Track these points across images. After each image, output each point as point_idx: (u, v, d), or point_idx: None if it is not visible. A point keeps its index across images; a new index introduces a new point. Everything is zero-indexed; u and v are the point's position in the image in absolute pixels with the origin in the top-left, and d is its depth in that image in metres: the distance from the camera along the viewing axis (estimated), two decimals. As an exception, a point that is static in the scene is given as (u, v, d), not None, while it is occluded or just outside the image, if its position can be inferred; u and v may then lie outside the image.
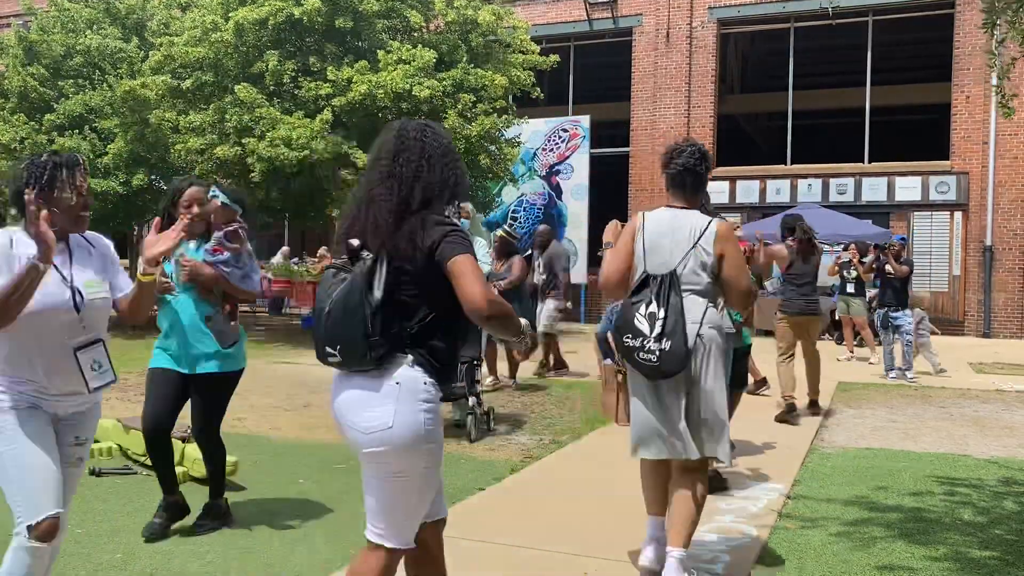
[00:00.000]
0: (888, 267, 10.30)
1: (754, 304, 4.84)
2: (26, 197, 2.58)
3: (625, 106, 19.41)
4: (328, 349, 2.37)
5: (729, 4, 18.32)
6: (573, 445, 6.36)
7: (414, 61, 12.57)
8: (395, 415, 2.28)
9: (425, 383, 2.33)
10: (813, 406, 7.69)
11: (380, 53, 12.81)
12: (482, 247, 6.78)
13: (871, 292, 12.90)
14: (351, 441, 2.39)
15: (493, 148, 14.08)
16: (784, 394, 7.42)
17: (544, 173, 19.30)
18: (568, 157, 19.14)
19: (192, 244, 4.13)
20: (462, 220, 6.92)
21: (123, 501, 4.74)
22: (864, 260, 11.67)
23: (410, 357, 2.33)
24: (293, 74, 13.16)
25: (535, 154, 19.25)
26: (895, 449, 6.37)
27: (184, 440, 5.20)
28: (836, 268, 12.29)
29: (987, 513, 4.71)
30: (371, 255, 2.33)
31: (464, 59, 13.59)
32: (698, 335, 3.33)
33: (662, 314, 3.29)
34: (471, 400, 6.49)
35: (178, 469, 5.07)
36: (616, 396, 6.87)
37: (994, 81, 4.64)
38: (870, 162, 17.89)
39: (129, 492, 4.93)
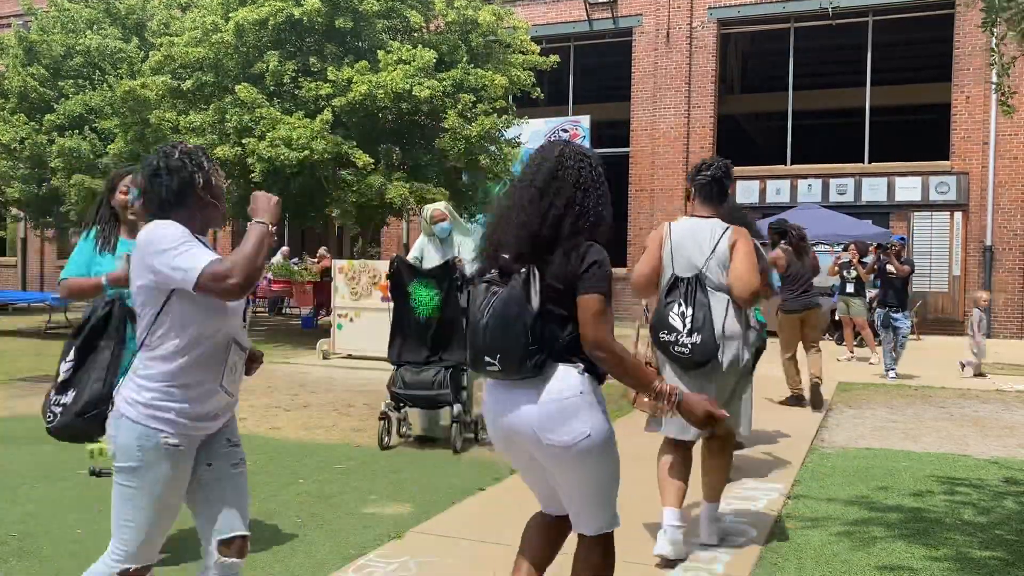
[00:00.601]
0: (890, 267, 10.31)
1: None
2: (212, 179, 2.54)
3: (625, 106, 19.41)
4: (487, 359, 2.47)
5: (729, 4, 18.32)
6: (573, 445, 6.36)
7: (414, 61, 12.57)
8: (591, 423, 2.44)
9: (595, 388, 2.51)
10: (815, 391, 7.84)
11: (380, 53, 12.81)
12: (468, 246, 6.46)
13: (871, 292, 12.91)
14: (545, 455, 2.48)
15: (493, 148, 14.07)
16: (793, 389, 8.05)
17: (544, 173, 19.29)
18: (568, 157, 19.13)
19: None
20: (439, 225, 6.55)
21: (123, 501, 4.74)
22: (864, 260, 11.66)
23: (580, 365, 2.46)
24: (293, 74, 13.16)
25: (535, 154, 19.24)
26: (895, 449, 6.36)
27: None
28: (836, 268, 12.28)
29: (987, 513, 4.70)
30: (525, 270, 2.44)
31: (464, 59, 13.59)
32: (723, 329, 3.77)
33: (691, 312, 3.73)
34: (455, 408, 6.10)
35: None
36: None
37: (994, 79, 4.63)
38: (870, 162, 17.89)
39: (129, 492, 4.92)
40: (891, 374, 10.23)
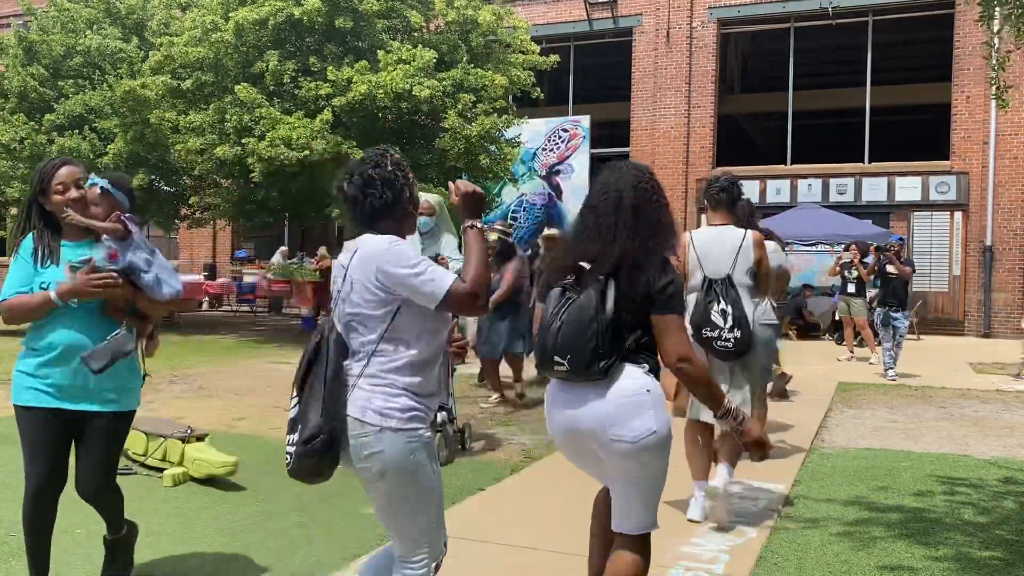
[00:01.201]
0: (890, 267, 10.33)
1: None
2: (414, 189, 2.60)
3: (625, 106, 19.41)
4: (557, 359, 2.60)
5: (729, 4, 18.32)
6: (573, 445, 6.36)
7: (414, 61, 12.57)
8: (656, 421, 2.57)
9: (658, 388, 2.65)
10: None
11: (380, 53, 12.81)
12: (451, 243, 6.18)
13: (871, 292, 12.91)
14: (609, 450, 2.60)
15: (493, 148, 14.07)
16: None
17: (544, 173, 19.31)
18: (568, 157, 19.15)
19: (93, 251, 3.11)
20: (421, 218, 6.04)
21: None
22: (865, 261, 11.67)
23: (645, 366, 2.63)
24: (293, 74, 13.16)
25: (535, 154, 19.25)
26: (895, 449, 6.36)
27: (184, 440, 5.20)
28: (837, 268, 12.29)
29: (987, 513, 4.70)
30: (602, 279, 2.62)
31: (464, 59, 13.59)
32: (754, 321, 4.41)
33: (731, 310, 4.27)
34: (439, 416, 5.67)
35: (178, 469, 5.08)
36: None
37: (991, 73, 4.64)
38: (870, 162, 17.89)
39: (129, 492, 4.91)
40: (890, 373, 10.23)
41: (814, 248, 16.05)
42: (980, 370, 11.41)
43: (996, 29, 4.48)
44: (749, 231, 4.42)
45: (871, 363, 11.64)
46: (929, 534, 4.32)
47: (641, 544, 2.70)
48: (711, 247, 4.39)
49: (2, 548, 4.00)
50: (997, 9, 4.35)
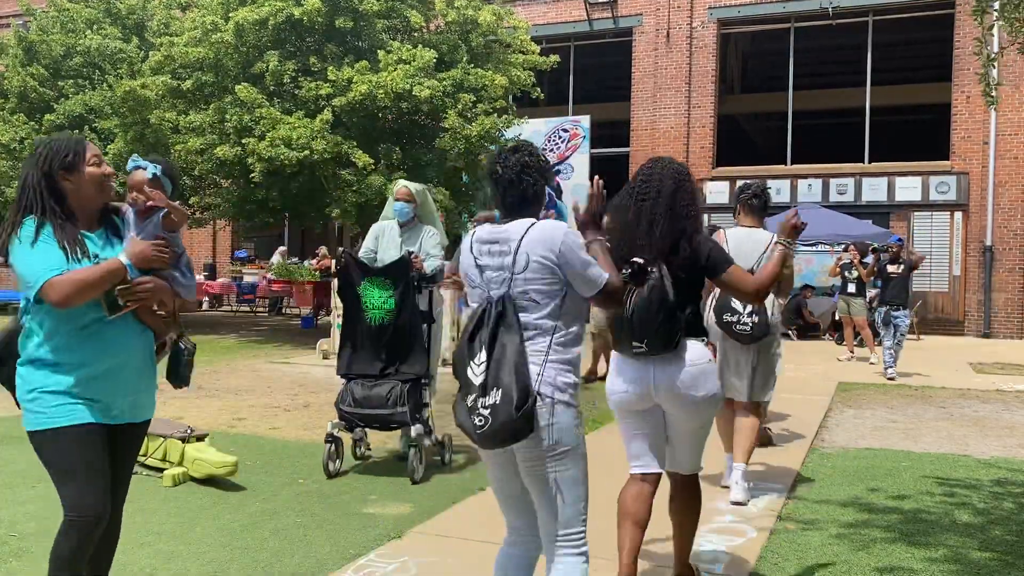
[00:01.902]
0: (890, 267, 10.36)
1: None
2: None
3: (625, 106, 19.41)
4: (635, 343, 3.18)
5: (729, 4, 18.31)
6: (573, 445, 6.36)
7: (414, 61, 12.57)
8: (716, 383, 3.28)
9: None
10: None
11: (380, 53, 12.81)
12: (433, 237, 5.65)
13: (871, 292, 12.92)
14: (682, 403, 3.21)
15: (493, 148, 14.06)
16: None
17: (544, 173, 19.29)
18: (568, 157, 19.14)
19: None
20: (398, 204, 5.63)
21: (123, 501, 4.74)
22: (865, 261, 11.68)
23: (704, 339, 3.29)
24: (293, 74, 13.16)
25: (535, 154, 19.23)
26: (895, 449, 6.36)
27: (184, 440, 5.20)
28: (837, 269, 12.29)
29: (987, 514, 4.70)
30: (658, 268, 3.06)
31: (464, 59, 13.59)
32: (772, 311, 4.88)
33: None
34: (414, 429, 5.22)
35: (177, 469, 5.08)
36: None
37: (981, 69, 4.62)
38: (870, 162, 17.89)
39: (129, 492, 4.92)
40: (890, 372, 10.24)
41: (814, 248, 16.05)
42: (980, 370, 11.41)
43: (989, 25, 4.47)
44: (775, 237, 4.51)
45: (871, 363, 11.64)
46: (929, 534, 4.32)
47: (695, 482, 3.39)
48: (741, 245, 4.82)
49: (2, 548, 4.00)
50: (992, 3, 4.35)
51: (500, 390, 2.44)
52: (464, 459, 5.80)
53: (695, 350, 3.21)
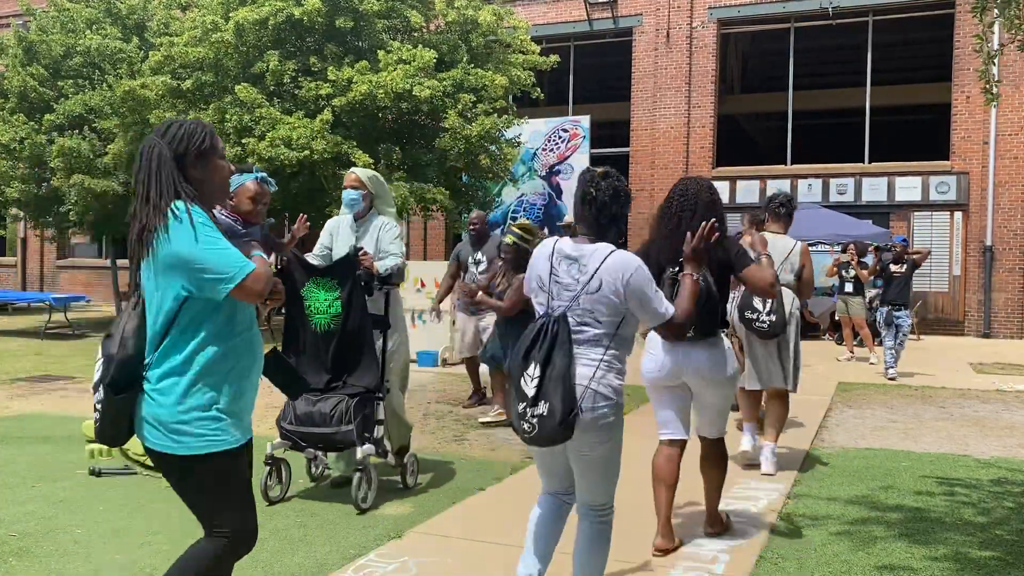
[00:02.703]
0: (892, 267, 10.37)
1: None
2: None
3: (625, 106, 19.41)
4: (688, 332, 3.74)
5: (729, 4, 18.31)
6: (573, 445, 6.35)
7: (414, 61, 12.57)
8: (734, 364, 4.00)
9: None
10: None
11: (380, 53, 12.81)
12: (390, 231, 5.04)
13: (871, 292, 12.92)
14: (709, 382, 3.93)
15: (493, 148, 14.07)
16: None
17: (544, 173, 19.30)
18: (568, 157, 19.13)
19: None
20: (346, 192, 5.03)
21: (123, 501, 4.74)
22: (864, 260, 11.67)
23: (724, 331, 4.02)
24: (293, 74, 13.15)
25: (535, 154, 19.24)
26: (895, 449, 6.36)
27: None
28: (835, 269, 12.29)
29: (987, 513, 4.70)
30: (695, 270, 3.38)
31: (464, 59, 13.59)
32: (790, 309, 5.45)
33: (770, 299, 5.15)
34: (361, 450, 4.56)
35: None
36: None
37: (982, 67, 4.62)
38: (870, 162, 17.88)
39: (129, 492, 4.93)
40: (891, 372, 10.24)
41: (814, 248, 16.04)
42: (980, 370, 11.41)
43: (989, 22, 4.47)
44: (798, 243, 5.56)
45: (871, 363, 11.64)
46: (929, 534, 4.32)
47: (721, 444, 4.16)
48: (770, 249, 5.23)
49: (2, 548, 4.00)
50: (992, 1, 4.34)
51: (548, 404, 2.75)
52: (432, 477, 5.26)
53: (721, 338, 3.96)
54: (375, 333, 4.81)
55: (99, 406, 2.35)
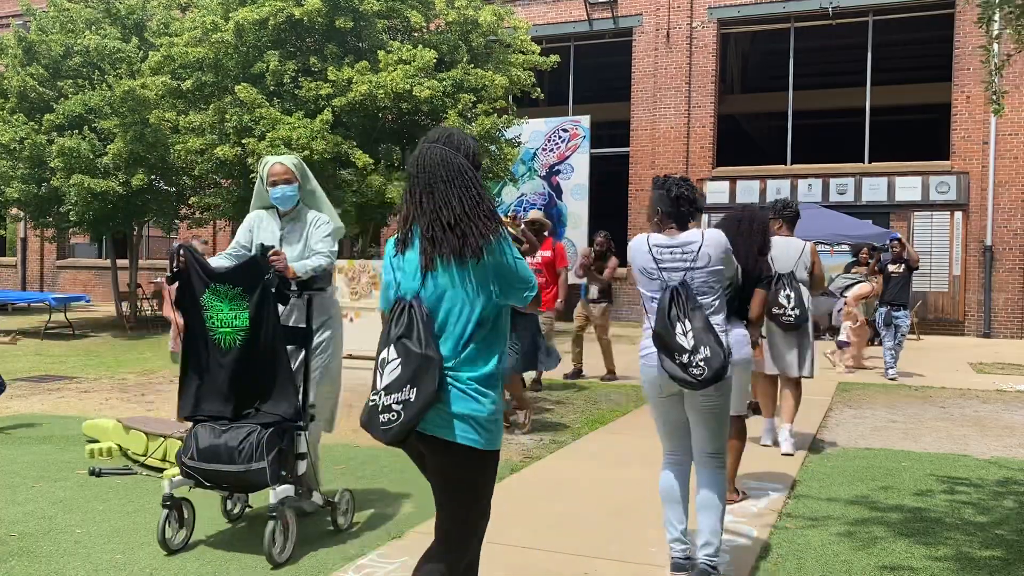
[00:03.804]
0: (891, 267, 10.36)
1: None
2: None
3: (625, 106, 19.41)
4: None
5: (729, 4, 18.32)
6: (573, 445, 6.35)
7: (414, 61, 12.56)
8: (748, 351, 4.50)
9: None
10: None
11: (380, 53, 12.81)
12: (322, 227, 4.35)
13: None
14: (735, 363, 4.09)
15: (493, 148, 14.07)
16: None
17: (544, 173, 19.30)
18: (568, 157, 19.14)
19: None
20: (279, 189, 4.29)
21: (123, 501, 4.74)
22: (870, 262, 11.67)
23: (745, 322, 4.53)
24: (293, 74, 13.15)
25: (535, 154, 19.24)
26: (895, 449, 6.36)
27: (181, 439, 5.19)
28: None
29: (988, 513, 4.70)
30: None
31: (464, 59, 13.59)
32: (808, 305, 5.99)
33: (793, 295, 5.90)
34: (275, 493, 3.80)
35: (177, 469, 5.07)
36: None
37: (988, 77, 4.63)
38: (870, 162, 17.89)
39: (129, 492, 4.93)
40: (891, 372, 10.24)
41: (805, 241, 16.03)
42: (980, 370, 11.40)
43: (995, 32, 4.48)
44: (807, 243, 6.10)
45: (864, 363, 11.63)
46: (929, 534, 4.32)
47: (741, 420, 4.74)
48: (781, 251, 5.90)
49: (2, 548, 4.00)
50: (997, 11, 4.35)
51: (708, 348, 3.40)
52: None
53: (740, 328, 4.49)
54: (294, 349, 4.09)
55: (399, 406, 2.41)
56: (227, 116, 12.92)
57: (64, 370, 10.34)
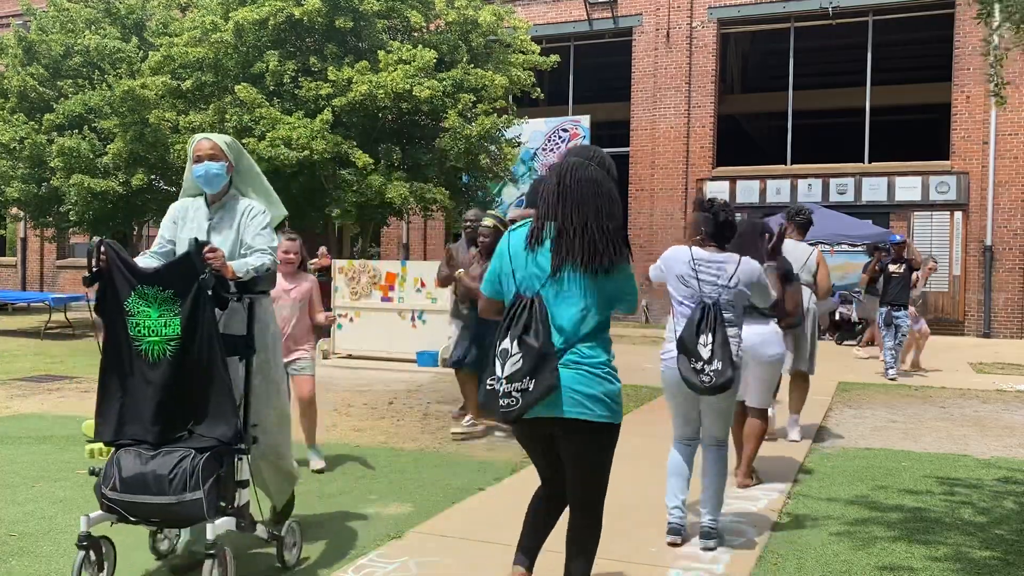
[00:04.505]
0: (891, 267, 10.36)
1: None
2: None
3: (625, 106, 19.41)
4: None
5: (729, 4, 18.31)
6: (573, 445, 6.34)
7: (414, 61, 12.57)
8: (779, 348, 5.08)
9: None
10: None
11: (380, 53, 12.81)
12: (257, 217, 3.71)
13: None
14: (761, 361, 5.01)
15: (493, 148, 14.07)
16: None
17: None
18: (568, 157, 19.13)
19: None
20: (203, 167, 3.64)
21: (123, 501, 4.73)
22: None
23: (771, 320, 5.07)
24: (293, 74, 13.15)
25: (535, 154, 19.24)
26: (895, 449, 6.36)
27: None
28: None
29: (987, 513, 4.70)
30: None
31: (464, 59, 13.59)
32: (810, 304, 6.38)
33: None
34: (212, 528, 3.23)
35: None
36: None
37: (990, 70, 4.65)
38: (870, 162, 17.88)
39: (129, 492, 4.92)
40: (891, 372, 10.24)
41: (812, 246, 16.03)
42: (980, 370, 11.41)
43: (995, 26, 4.48)
44: (815, 250, 6.46)
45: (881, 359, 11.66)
46: (929, 534, 4.32)
47: (764, 412, 5.18)
48: (788, 254, 5.94)
49: (2, 548, 4.00)
50: (996, 6, 4.35)
51: (721, 362, 3.88)
52: (432, 477, 4.80)
53: (772, 326, 5.06)
54: (233, 361, 3.50)
55: (518, 394, 2.77)
56: (227, 116, 12.92)
57: (64, 370, 10.34)
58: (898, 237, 12.19)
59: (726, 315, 4.01)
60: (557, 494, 3.07)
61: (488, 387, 2.83)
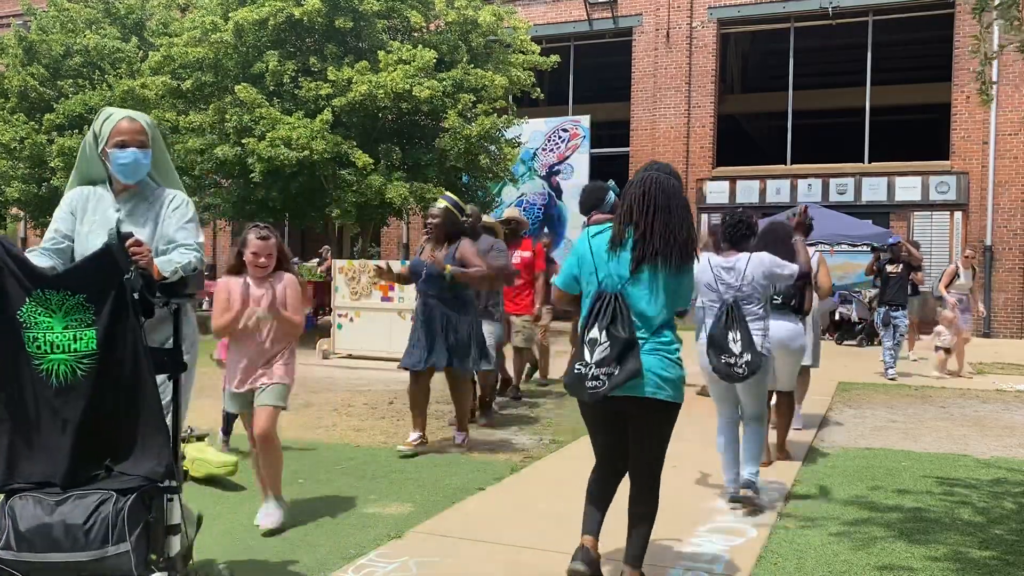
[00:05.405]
0: (889, 267, 10.37)
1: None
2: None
3: (625, 106, 19.41)
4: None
5: (729, 4, 18.32)
6: (573, 445, 6.35)
7: (414, 61, 12.57)
8: (803, 341, 5.70)
9: None
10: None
11: (380, 53, 12.82)
12: (180, 209, 3.18)
13: (870, 292, 12.92)
14: (787, 351, 5.52)
15: (493, 148, 14.07)
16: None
17: (544, 173, 19.30)
18: (568, 157, 19.14)
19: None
20: (125, 153, 3.06)
21: (123, 501, 4.73)
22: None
23: (797, 317, 5.59)
24: (293, 74, 13.15)
25: (535, 154, 19.25)
26: (895, 449, 6.36)
27: (184, 440, 5.19)
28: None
29: (987, 513, 4.71)
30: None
31: (464, 59, 13.59)
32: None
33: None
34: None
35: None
36: None
37: (979, 67, 4.65)
38: (870, 162, 17.89)
39: (129, 492, 4.92)
40: (890, 372, 10.24)
41: (814, 248, 16.02)
42: (980, 370, 11.41)
43: (987, 23, 4.48)
44: (817, 252, 6.56)
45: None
46: (929, 534, 4.32)
47: (791, 395, 5.88)
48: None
49: (2, 548, 3.99)
50: (991, 1, 4.35)
51: (749, 355, 4.46)
52: (432, 477, 4.70)
53: (794, 323, 5.56)
54: (161, 380, 2.78)
55: (605, 377, 3.19)
56: (227, 116, 12.92)
57: None
58: (892, 239, 12.21)
59: (748, 308, 4.62)
60: (613, 472, 3.49)
61: (576, 371, 3.24)
